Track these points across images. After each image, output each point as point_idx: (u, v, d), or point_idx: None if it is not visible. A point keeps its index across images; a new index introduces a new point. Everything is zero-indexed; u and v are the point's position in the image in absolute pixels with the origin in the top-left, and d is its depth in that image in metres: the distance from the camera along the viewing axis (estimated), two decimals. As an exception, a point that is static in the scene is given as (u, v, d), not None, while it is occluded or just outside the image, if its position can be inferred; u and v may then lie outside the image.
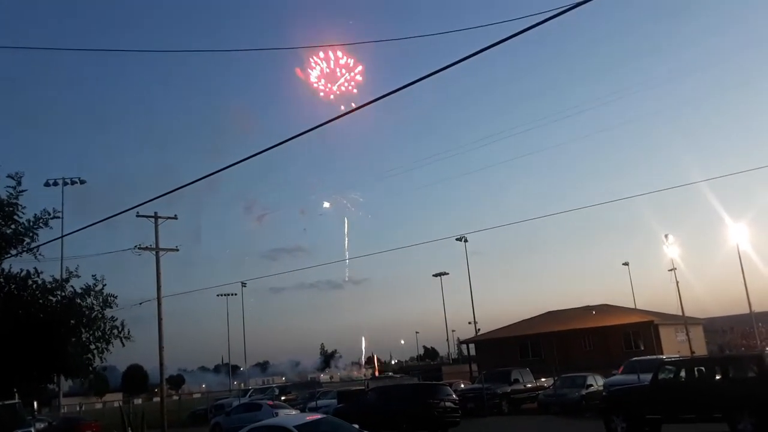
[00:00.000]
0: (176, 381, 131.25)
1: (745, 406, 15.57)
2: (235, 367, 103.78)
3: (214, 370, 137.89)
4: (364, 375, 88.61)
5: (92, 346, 12.75)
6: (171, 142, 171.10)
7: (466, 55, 9.27)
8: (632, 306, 58.43)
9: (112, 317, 12.87)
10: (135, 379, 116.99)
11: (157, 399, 43.01)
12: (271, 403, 33.21)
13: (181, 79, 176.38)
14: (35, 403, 34.74)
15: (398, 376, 47.59)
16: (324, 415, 17.34)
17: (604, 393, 22.12)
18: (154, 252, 33.35)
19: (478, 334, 57.59)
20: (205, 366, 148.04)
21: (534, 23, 8.63)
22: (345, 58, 37.93)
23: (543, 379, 33.96)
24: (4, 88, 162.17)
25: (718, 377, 17.01)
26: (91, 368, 13.24)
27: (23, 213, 12.46)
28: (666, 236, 48.38)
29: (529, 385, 32.54)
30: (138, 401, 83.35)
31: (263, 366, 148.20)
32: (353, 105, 35.18)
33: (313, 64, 38.74)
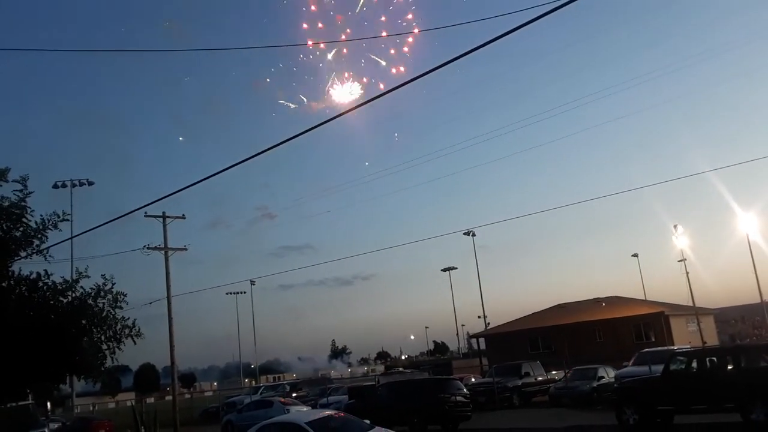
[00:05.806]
0: (188, 379, 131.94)
1: (757, 395, 15.54)
2: (246, 365, 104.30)
3: (225, 368, 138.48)
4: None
5: (104, 346, 12.80)
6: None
7: (472, 47, 9.24)
8: (642, 297, 58.25)
9: (123, 317, 12.90)
10: (147, 378, 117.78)
11: (169, 398, 43.19)
12: (282, 400, 33.32)
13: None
14: (48, 404, 35.01)
15: (408, 371, 47.48)
16: (335, 411, 17.41)
17: (615, 385, 22.09)
18: (162, 252, 33.49)
19: (488, 328, 57.53)
20: (215, 365, 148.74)
21: (538, 15, 8.57)
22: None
23: (554, 372, 33.91)
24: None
25: (729, 367, 16.98)
26: (103, 368, 13.30)
27: (31, 216, 12.45)
28: (675, 227, 48.21)
29: (540, 378, 32.51)
30: (150, 400, 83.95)
31: (274, 363, 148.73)
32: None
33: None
